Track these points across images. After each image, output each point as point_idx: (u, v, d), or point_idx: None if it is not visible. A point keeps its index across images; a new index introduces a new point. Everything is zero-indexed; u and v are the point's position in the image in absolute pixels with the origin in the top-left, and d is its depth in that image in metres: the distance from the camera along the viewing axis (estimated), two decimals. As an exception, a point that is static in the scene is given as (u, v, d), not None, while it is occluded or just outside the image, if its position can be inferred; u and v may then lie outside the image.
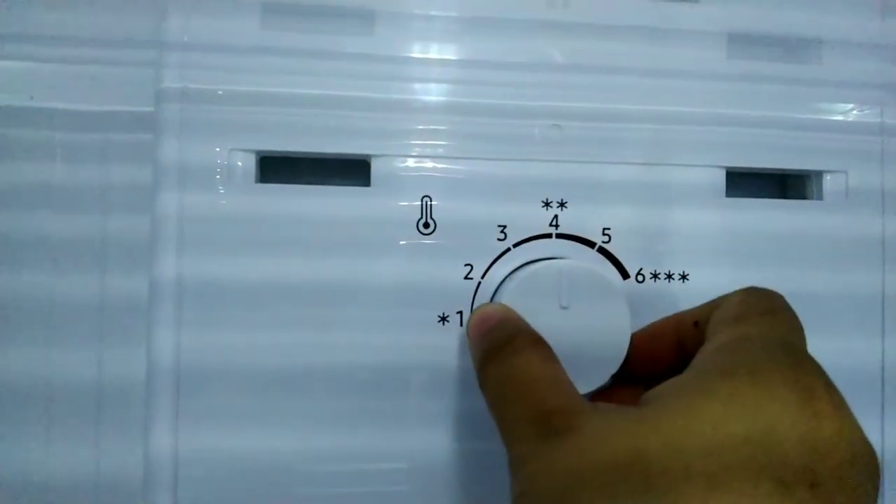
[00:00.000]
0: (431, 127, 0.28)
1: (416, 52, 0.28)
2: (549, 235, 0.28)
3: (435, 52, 0.28)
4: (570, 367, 0.21)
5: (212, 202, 0.27)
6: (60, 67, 0.28)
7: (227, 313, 0.27)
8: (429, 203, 0.28)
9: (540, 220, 0.28)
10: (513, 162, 0.28)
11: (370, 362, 0.27)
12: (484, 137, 0.28)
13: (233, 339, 0.27)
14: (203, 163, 0.27)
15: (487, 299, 0.28)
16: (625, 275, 0.29)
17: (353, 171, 0.29)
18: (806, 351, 0.19)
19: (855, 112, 0.31)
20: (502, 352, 0.21)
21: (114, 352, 0.28)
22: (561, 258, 0.27)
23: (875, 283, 0.30)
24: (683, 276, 0.29)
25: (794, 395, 0.17)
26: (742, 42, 0.30)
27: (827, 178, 0.31)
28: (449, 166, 0.28)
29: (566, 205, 0.28)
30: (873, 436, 0.30)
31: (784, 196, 0.33)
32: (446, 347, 0.27)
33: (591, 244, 0.28)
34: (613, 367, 0.25)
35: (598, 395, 0.26)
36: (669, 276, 0.29)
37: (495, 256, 0.28)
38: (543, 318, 0.24)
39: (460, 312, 0.28)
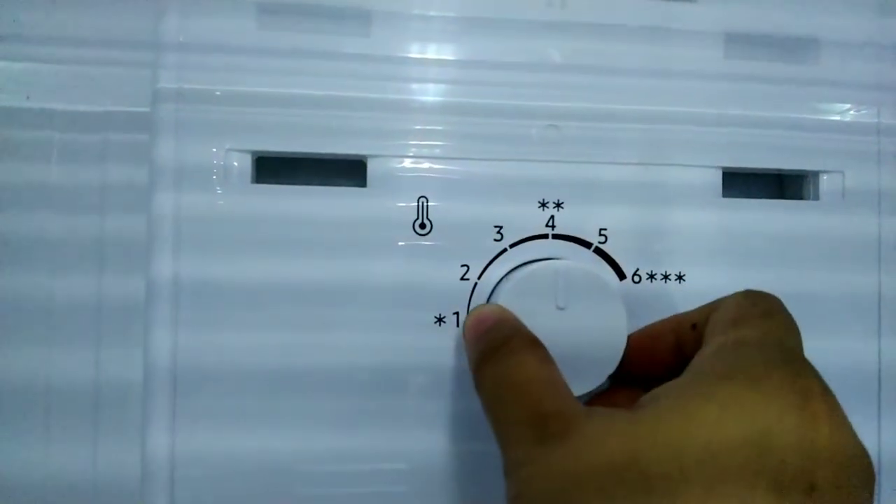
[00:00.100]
0: (428, 127, 0.28)
1: (413, 52, 0.28)
2: (545, 236, 0.28)
3: (431, 52, 0.28)
4: (567, 368, 0.21)
5: (208, 202, 0.27)
6: (57, 68, 0.28)
7: (224, 314, 0.27)
8: (425, 203, 0.28)
9: (536, 220, 0.28)
10: (509, 162, 0.28)
11: (366, 363, 0.27)
12: (481, 138, 0.28)
13: (229, 339, 0.27)
14: (199, 163, 0.27)
15: (484, 300, 0.28)
16: (621, 275, 0.29)
17: (350, 171, 0.29)
18: (802, 355, 0.19)
19: (852, 112, 0.31)
20: (498, 353, 0.21)
21: (111, 352, 0.28)
22: (557, 259, 0.27)
23: (871, 284, 0.30)
24: (680, 277, 0.29)
25: (790, 399, 0.17)
26: (739, 42, 0.30)
27: (823, 178, 0.31)
28: (445, 167, 0.28)
29: (562, 205, 0.28)
30: (869, 435, 0.30)
31: (781, 196, 0.33)
32: (442, 348, 0.27)
33: (587, 245, 0.28)
34: (610, 368, 0.25)
35: (597, 396, 0.26)
36: (666, 277, 0.29)
37: (492, 257, 0.28)
38: (540, 319, 0.24)
39: (457, 313, 0.28)
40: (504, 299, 0.25)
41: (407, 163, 0.28)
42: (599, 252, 0.29)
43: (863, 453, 0.17)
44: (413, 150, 0.28)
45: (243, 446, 0.27)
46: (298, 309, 0.27)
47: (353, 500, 0.27)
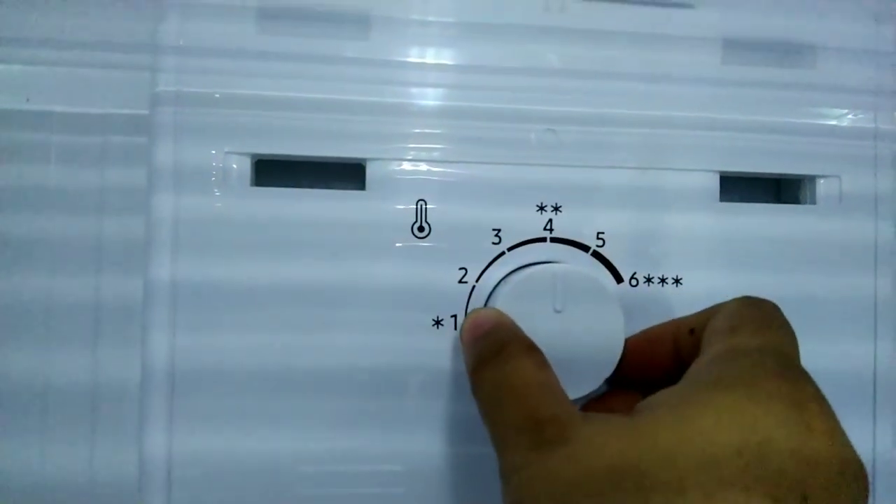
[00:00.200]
0: (426, 130, 0.28)
1: (412, 56, 0.28)
2: (543, 239, 0.28)
3: (430, 56, 0.28)
4: (564, 372, 0.21)
5: (207, 205, 0.27)
6: (57, 70, 0.28)
7: (222, 316, 0.27)
8: (424, 206, 0.28)
9: (534, 223, 0.28)
10: (508, 166, 0.28)
11: (364, 365, 0.27)
12: (479, 141, 0.28)
13: (227, 341, 0.27)
14: (198, 166, 0.27)
15: (482, 303, 0.28)
16: (619, 279, 0.29)
17: (349, 174, 0.29)
18: (799, 363, 0.19)
19: (849, 117, 0.31)
20: (495, 358, 0.21)
21: (109, 352, 0.28)
22: (555, 262, 0.27)
23: (868, 288, 0.31)
24: (677, 281, 0.29)
25: (786, 408, 0.17)
26: (736, 47, 0.30)
27: (820, 182, 0.31)
28: (444, 170, 0.28)
29: (561, 209, 0.28)
30: (865, 439, 0.30)
31: (778, 200, 0.33)
32: (440, 351, 0.27)
33: (585, 248, 0.29)
34: (607, 372, 0.25)
35: (594, 400, 0.26)
36: (663, 281, 0.29)
37: (490, 260, 0.28)
38: (537, 322, 0.24)
39: (454, 316, 0.28)
40: (502, 302, 0.25)
41: (406, 166, 0.28)
42: (597, 255, 0.29)
43: (857, 462, 0.17)
44: (412, 153, 0.28)
45: (241, 447, 0.27)
46: (297, 311, 0.27)
47: (350, 500, 0.28)
